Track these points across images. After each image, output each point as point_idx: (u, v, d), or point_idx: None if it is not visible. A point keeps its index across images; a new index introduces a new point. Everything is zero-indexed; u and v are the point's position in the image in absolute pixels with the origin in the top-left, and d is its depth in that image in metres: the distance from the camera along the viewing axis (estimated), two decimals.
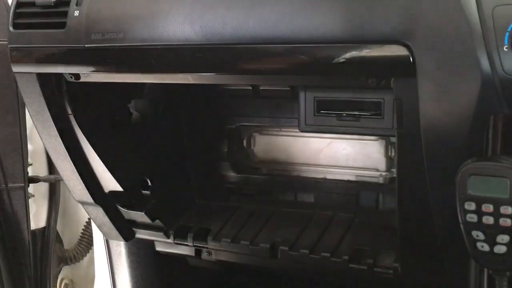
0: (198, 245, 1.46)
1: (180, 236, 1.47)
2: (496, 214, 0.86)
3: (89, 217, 1.63)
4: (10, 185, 1.73)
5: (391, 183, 1.36)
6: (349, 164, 1.41)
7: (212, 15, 1.05)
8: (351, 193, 1.42)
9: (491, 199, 0.86)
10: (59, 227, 2.04)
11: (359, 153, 1.39)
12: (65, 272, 2.16)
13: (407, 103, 0.97)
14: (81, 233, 2.06)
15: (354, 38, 0.96)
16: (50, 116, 1.30)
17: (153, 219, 1.46)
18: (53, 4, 1.21)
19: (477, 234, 0.88)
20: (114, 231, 1.49)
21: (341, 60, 0.97)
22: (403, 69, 0.94)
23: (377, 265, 1.24)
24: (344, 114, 1.13)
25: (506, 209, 0.85)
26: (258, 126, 1.51)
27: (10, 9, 1.28)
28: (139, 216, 1.46)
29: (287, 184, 1.51)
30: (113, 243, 1.63)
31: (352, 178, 1.42)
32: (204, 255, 1.50)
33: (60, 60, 1.23)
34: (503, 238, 0.86)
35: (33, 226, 1.89)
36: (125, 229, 1.50)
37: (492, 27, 0.85)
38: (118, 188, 1.41)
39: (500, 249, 0.87)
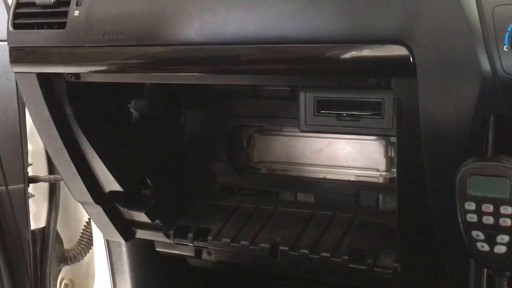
0: (198, 245, 1.46)
1: (180, 236, 1.47)
2: (496, 214, 0.86)
3: (89, 217, 1.63)
4: (10, 185, 1.73)
5: (391, 183, 1.36)
6: (349, 164, 1.41)
7: (212, 15, 1.05)
8: (351, 193, 1.42)
9: (491, 199, 0.86)
10: (59, 227, 2.04)
11: (359, 153, 1.39)
12: (65, 272, 2.15)
13: (407, 103, 0.98)
14: (81, 233, 2.06)
15: (354, 38, 0.96)
16: (50, 116, 1.30)
17: (153, 219, 1.46)
18: (53, 4, 1.21)
19: (477, 234, 0.88)
20: (114, 231, 1.49)
21: (341, 60, 0.97)
22: (403, 69, 0.94)
23: (377, 265, 1.24)
24: (344, 114, 1.13)
25: (506, 209, 0.85)
26: (258, 126, 1.51)
27: (10, 9, 1.28)
28: (139, 216, 1.46)
29: (287, 184, 1.51)
30: (113, 243, 1.63)
31: (352, 178, 1.42)
32: (204, 255, 1.50)
33: (60, 60, 1.23)
34: (503, 238, 0.86)
35: (33, 226, 1.88)
36: (125, 229, 1.50)
37: (492, 27, 0.85)
38: (118, 188, 1.41)
39: (500, 249, 0.87)
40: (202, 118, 1.56)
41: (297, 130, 1.22)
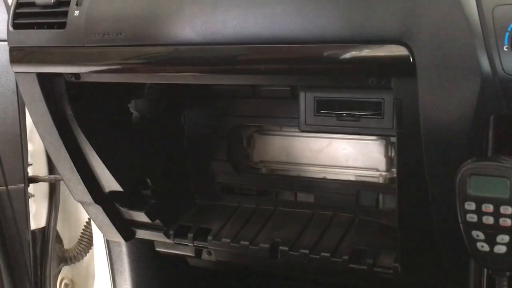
0: (198, 245, 1.46)
1: (180, 236, 1.47)
2: (496, 214, 0.86)
3: (89, 217, 1.63)
4: (10, 185, 1.73)
5: (391, 183, 1.36)
6: (349, 164, 1.41)
7: (212, 15, 1.05)
8: (351, 193, 1.42)
9: (491, 199, 0.86)
10: (59, 227, 2.04)
11: (359, 153, 1.39)
12: (65, 272, 2.15)
13: (407, 103, 0.97)
14: (81, 233, 2.06)
15: (354, 38, 0.96)
16: (50, 116, 1.30)
17: (153, 219, 1.46)
18: (53, 4, 1.21)
19: (477, 234, 0.88)
20: (114, 231, 1.49)
21: (341, 60, 0.97)
22: (403, 69, 0.94)
23: (377, 265, 1.24)
24: (344, 114, 1.13)
25: (506, 209, 0.85)
26: (258, 126, 1.51)
27: (10, 9, 1.28)
28: (139, 216, 1.46)
29: (287, 184, 1.51)
30: (113, 243, 1.63)
31: (352, 178, 1.42)
32: (204, 255, 1.50)
33: (60, 60, 1.23)
34: (503, 238, 0.86)
35: (33, 226, 1.89)
36: (125, 229, 1.50)
37: (492, 27, 0.85)
38: (118, 188, 1.41)
39: (500, 249, 0.87)
40: (202, 118, 1.56)
41: (297, 130, 1.21)
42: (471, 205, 0.87)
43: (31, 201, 1.86)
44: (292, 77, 1.15)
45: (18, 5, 1.27)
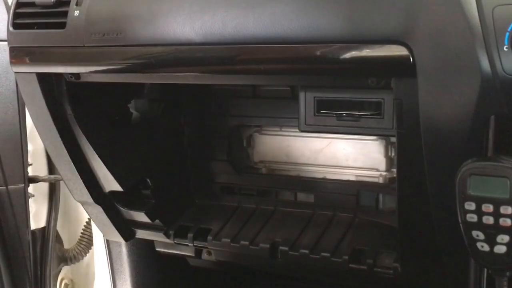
0: (198, 245, 1.46)
1: (180, 236, 1.47)
2: (496, 214, 0.86)
3: (89, 217, 1.63)
4: (10, 185, 1.73)
5: (391, 183, 1.36)
6: (349, 164, 1.41)
7: (212, 15, 1.05)
8: (351, 193, 1.42)
9: (491, 199, 0.86)
10: (59, 227, 2.04)
11: (359, 153, 1.39)
12: (65, 272, 2.15)
13: (407, 103, 0.98)
14: (81, 233, 2.06)
15: (354, 38, 0.96)
16: (50, 116, 1.30)
17: (153, 219, 1.46)
18: (53, 4, 1.21)
19: (477, 234, 0.88)
20: (114, 231, 1.49)
21: (341, 60, 0.98)
22: (403, 69, 0.94)
23: (377, 265, 1.24)
24: (344, 114, 1.13)
25: (506, 209, 0.85)
26: (258, 126, 1.51)
27: (10, 9, 1.28)
28: (139, 216, 1.46)
29: (287, 184, 1.51)
30: (113, 243, 1.63)
31: (352, 178, 1.42)
32: (204, 255, 1.50)
33: (60, 60, 1.23)
34: (503, 238, 0.86)
35: (33, 226, 1.88)
36: (125, 229, 1.50)
37: (492, 27, 0.85)
38: (118, 188, 1.41)
39: (500, 249, 0.87)
40: (202, 118, 1.56)
41: (297, 130, 1.22)
42: (471, 205, 0.87)
43: (31, 201, 1.86)
44: (292, 77, 1.15)
45: (18, 5, 1.27)
